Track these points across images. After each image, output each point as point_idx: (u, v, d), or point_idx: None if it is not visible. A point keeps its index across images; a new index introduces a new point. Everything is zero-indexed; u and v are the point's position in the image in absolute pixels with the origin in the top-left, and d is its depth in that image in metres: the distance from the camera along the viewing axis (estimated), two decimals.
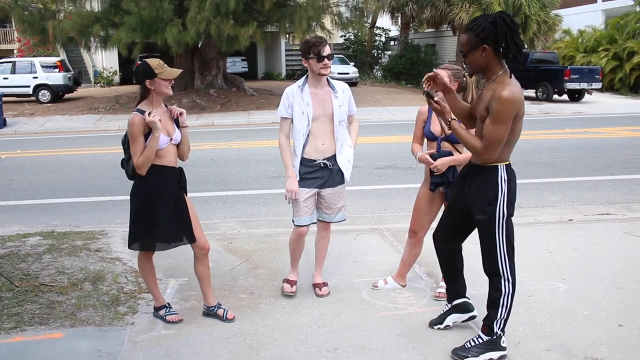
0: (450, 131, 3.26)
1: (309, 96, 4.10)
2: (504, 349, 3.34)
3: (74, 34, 18.49)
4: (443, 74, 3.94)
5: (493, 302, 3.30)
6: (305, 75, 4.21)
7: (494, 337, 3.33)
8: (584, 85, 21.15)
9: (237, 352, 3.48)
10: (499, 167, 3.16)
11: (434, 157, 4.00)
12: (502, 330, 3.33)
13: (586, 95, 21.89)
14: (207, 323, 3.88)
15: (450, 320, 3.71)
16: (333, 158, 4.18)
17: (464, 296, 3.69)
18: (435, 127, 4.06)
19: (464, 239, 3.58)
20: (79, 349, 3.54)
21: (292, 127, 4.16)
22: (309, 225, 4.25)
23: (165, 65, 3.67)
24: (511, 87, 3.02)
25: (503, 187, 3.17)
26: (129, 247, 3.83)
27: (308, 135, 4.11)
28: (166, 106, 3.79)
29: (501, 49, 3.03)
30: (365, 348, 3.51)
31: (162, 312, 3.94)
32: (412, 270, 4.75)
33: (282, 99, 4.17)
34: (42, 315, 3.96)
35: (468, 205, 3.31)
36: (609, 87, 25.10)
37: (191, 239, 3.79)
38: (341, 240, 5.50)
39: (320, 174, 4.15)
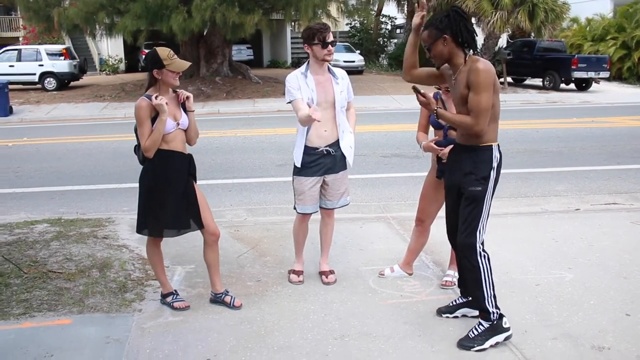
0: (440, 119, 3.44)
1: (313, 82, 4.09)
2: (506, 329, 3.37)
3: (79, 22, 18.45)
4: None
5: (475, 283, 3.37)
6: (307, 63, 4.19)
7: (494, 321, 3.36)
8: (591, 74, 20.97)
9: (244, 339, 3.50)
10: (493, 146, 3.33)
11: (441, 144, 4.01)
12: (497, 306, 3.37)
13: (594, 85, 21.71)
14: (214, 310, 3.90)
15: (460, 312, 3.72)
16: (335, 144, 4.18)
17: None
18: None
19: None
20: (87, 335, 3.57)
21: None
22: (312, 213, 4.27)
23: (175, 56, 3.68)
24: (483, 61, 3.24)
25: (494, 165, 3.34)
26: (138, 232, 3.86)
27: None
28: (174, 92, 3.80)
29: (460, 38, 3.25)
30: (372, 336, 3.52)
31: (169, 299, 3.96)
32: (419, 258, 4.75)
33: (287, 84, 4.14)
34: (51, 301, 3.99)
35: (460, 185, 3.39)
36: (617, 76, 24.90)
37: (200, 225, 3.80)
38: (347, 229, 5.51)
39: (324, 161, 4.16)
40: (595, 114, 14.53)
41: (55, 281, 4.31)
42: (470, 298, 3.66)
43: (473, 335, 3.38)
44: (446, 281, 4.25)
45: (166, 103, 3.60)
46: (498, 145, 3.38)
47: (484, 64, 3.20)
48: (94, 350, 3.40)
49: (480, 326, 3.39)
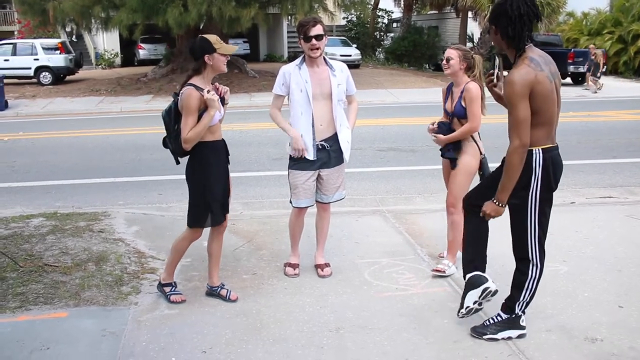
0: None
1: (307, 74, 4.08)
2: (522, 327, 3.38)
3: (74, 16, 18.36)
4: (453, 53, 4.11)
5: (518, 285, 3.32)
6: (303, 55, 4.19)
7: (513, 316, 3.36)
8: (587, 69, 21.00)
9: (240, 332, 3.51)
10: (534, 150, 3.08)
11: (442, 128, 4.35)
12: (523, 311, 3.36)
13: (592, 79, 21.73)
14: (210, 303, 3.91)
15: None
16: (331, 139, 4.17)
17: (483, 270, 3.52)
18: (447, 105, 4.35)
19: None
20: (83, 328, 3.58)
21: (291, 107, 4.16)
22: (307, 207, 4.28)
23: (222, 41, 3.72)
24: (519, 70, 2.99)
25: (537, 171, 3.10)
26: (197, 226, 3.83)
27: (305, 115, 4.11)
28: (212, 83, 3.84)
29: (509, 35, 3.03)
30: (367, 328, 3.54)
31: (167, 289, 3.97)
32: (414, 251, 4.78)
33: (277, 77, 4.19)
34: (47, 295, 3.99)
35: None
36: (613, 71, 24.94)
37: (228, 209, 3.93)
38: (343, 222, 5.52)
39: (318, 155, 4.15)
40: (591, 108, 14.56)
41: (51, 275, 4.31)
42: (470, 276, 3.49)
43: (488, 324, 3.40)
44: (438, 268, 4.30)
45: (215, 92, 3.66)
46: (547, 148, 3.11)
47: (517, 74, 2.96)
48: (90, 343, 3.41)
49: (499, 317, 3.39)
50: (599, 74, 19.55)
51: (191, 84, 3.64)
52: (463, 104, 4.17)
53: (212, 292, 3.99)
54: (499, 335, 3.34)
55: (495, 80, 3.41)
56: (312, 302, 3.92)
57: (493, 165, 3.69)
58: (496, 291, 3.37)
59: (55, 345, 3.37)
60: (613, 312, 3.71)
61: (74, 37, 28.47)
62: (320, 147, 4.15)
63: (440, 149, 4.38)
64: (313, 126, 4.11)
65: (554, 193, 3.27)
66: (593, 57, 19.63)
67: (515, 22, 3.00)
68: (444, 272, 4.27)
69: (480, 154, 4.28)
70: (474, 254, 3.44)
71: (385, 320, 3.64)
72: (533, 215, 3.18)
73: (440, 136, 4.28)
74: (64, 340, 3.43)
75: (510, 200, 3.16)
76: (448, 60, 4.26)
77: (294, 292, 4.08)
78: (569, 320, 3.59)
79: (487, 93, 3.78)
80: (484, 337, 3.35)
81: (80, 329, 3.56)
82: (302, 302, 3.92)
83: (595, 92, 18.80)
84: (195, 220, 3.82)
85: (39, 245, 4.92)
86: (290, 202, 4.31)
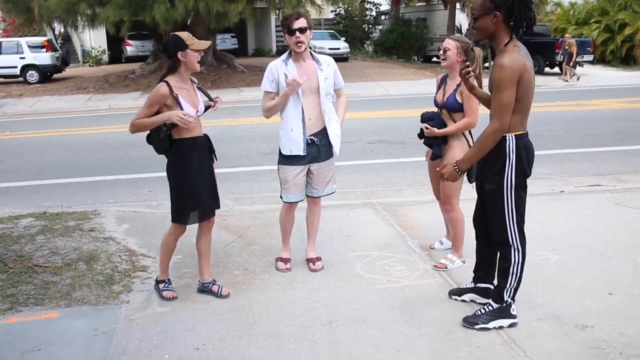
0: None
1: (294, 69, 4.07)
2: (514, 316, 3.40)
3: (60, 13, 18.19)
4: (452, 44, 4.02)
5: (503, 272, 3.35)
6: (289, 50, 4.17)
7: (504, 304, 3.38)
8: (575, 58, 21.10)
9: (233, 328, 3.51)
10: (507, 137, 3.17)
11: (428, 117, 4.24)
12: (512, 298, 3.38)
13: (577, 68, 21.85)
14: (202, 300, 3.91)
15: (468, 297, 3.73)
16: (320, 133, 4.16)
17: (489, 283, 3.66)
18: (438, 96, 4.28)
19: None
20: (75, 328, 3.56)
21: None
22: (298, 202, 4.28)
23: (194, 37, 3.71)
24: (511, 55, 3.06)
25: (511, 156, 3.18)
26: (180, 223, 3.84)
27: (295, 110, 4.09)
28: (192, 81, 3.82)
29: (511, 21, 3.09)
30: (360, 321, 3.55)
31: (161, 285, 3.97)
32: (405, 243, 4.79)
33: (265, 73, 4.16)
34: (37, 295, 3.97)
35: (480, 179, 3.34)
36: (601, 59, 25.09)
37: (218, 205, 3.89)
38: (334, 215, 5.52)
39: (308, 150, 4.15)
40: (579, 97, 14.63)
41: (41, 275, 4.29)
42: (480, 286, 3.67)
43: (479, 314, 3.42)
44: (440, 263, 4.30)
45: (192, 119, 3.61)
46: (520, 135, 3.18)
47: (509, 59, 3.03)
48: (82, 343, 3.39)
49: (489, 306, 3.41)
50: (571, 64, 19.61)
51: (166, 81, 3.65)
52: (458, 98, 4.07)
53: (204, 289, 3.98)
54: (491, 325, 3.36)
55: (477, 71, 3.43)
56: (304, 296, 3.92)
57: None
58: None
59: (47, 347, 3.35)
60: (603, 299, 3.74)
61: (60, 39, 28.27)
62: (309, 141, 4.14)
63: (428, 140, 4.23)
64: (303, 121, 4.10)
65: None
66: (567, 47, 19.69)
67: (520, 6, 3.08)
68: (445, 267, 4.25)
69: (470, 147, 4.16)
70: (485, 271, 3.60)
71: (378, 312, 3.65)
72: (510, 200, 3.25)
73: (435, 129, 4.14)
74: (55, 341, 3.41)
75: (486, 185, 3.29)
76: (445, 50, 4.12)
77: (285, 286, 4.08)
78: (559, 309, 3.62)
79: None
80: (476, 327, 3.37)
81: (72, 329, 3.55)
82: (294, 296, 3.92)
83: (567, 82, 18.88)
84: (177, 215, 3.83)
85: (28, 246, 4.89)
86: (281, 197, 4.30)
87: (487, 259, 3.62)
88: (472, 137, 4.20)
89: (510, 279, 3.34)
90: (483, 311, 3.42)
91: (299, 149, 4.11)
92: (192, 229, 3.94)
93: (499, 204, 3.26)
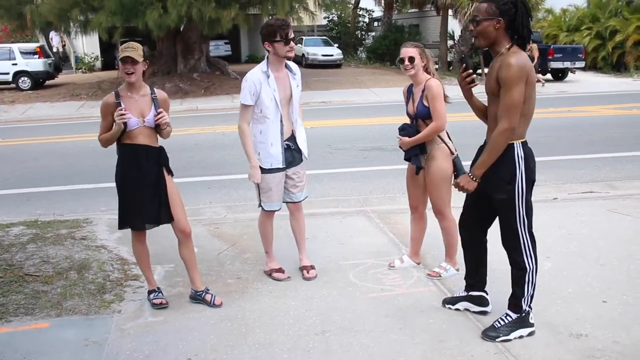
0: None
1: (275, 82, 4.09)
2: (532, 325, 3.38)
3: (52, 19, 18.13)
4: (415, 52, 3.98)
5: (518, 280, 3.33)
6: (266, 59, 4.15)
7: (523, 314, 3.36)
8: (567, 64, 21.25)
9: (225, 337, 3.48)
10: (515, 144, 3.17)
11: (401, 128, 4.20)
12: (530, 306, 3.37)
13: (569, 74, 21.98)
14: (195, 309, 3.88)
15: (461, 305, 3.71)
16: (291, 138, 4.21)
17: (481, 290, 3.66)
18: (409, 107, 4.21)
19: (487, 226, 3.54)
20: (66, 338, 3.52)
21: (258, 115, 4.10)
22: (279, 209, 4.33)
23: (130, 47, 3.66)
24: (517, 55, 3.10)
25: (521, 164, 3.19)
26: (120, 228, 3.91)
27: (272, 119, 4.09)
28: (152, 90, 3.79)
29: (512, 30, 3.13)
30: (353, 330, 3.53)
31: (151, 296, 3.95)
32: (399, 251, 4.78)
33: (246, 86, 4.07)
34: (28, 305, 3.93)
35: (484, 187, 3.28)
36: (592, 66, 25.22)
37: (170, 219, 3.80)
38: (327, 223, 5.51)
39: (285, 155, 4.19)
40: (571, 104, 14.70)
41: (32, 284, 4.25)
42: (473, 294, 3.66)
43: (499, 326, 3.37)
44: (434, 271, 4.29)
45: (128, 118, 3.61)
46: (524, 142, 3.22)
47: (516, 58, 3.05)
48: (73, 353, 3.36)
49: (508, 317, 3.37)
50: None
51: (116, 92, 3.72)
52: (425, 103, 4.00)
53: (197, 297, 3.95)
54: (512, 336, 3.32)
55: (482, 74, 3.42)
56: (297, 305, 3.90)
57: (467, 164, 3.68)
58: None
59: (37, 357, 3.31)
60: (597, 306, 3.73)
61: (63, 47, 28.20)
62: (285, 146, 4.18)
63: (405, 153, 4.17)
64: (282, 132, 4.14)
65: (535, 189, 3.36)
66: (528, 52, 19.77)
67: (523, 19, 3.12)
68: (439, 275, 4.24)
69: (452, 153, 4.11)
70: (477, 278, 3.61)
71: (371, 321, 3.63)
72: (521, 207, 3.25)
73: (405, 139, 4.10)
74: (46, 352, 3.37)
75: (497, 195, 3.25)
76: (412, 60, 4.00)
77: (279, 295, 4.06)
78: (553, 317, 3.61)
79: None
80: (497, 340, 3.31)
81: (63, 339, 3.51)
82: (287, 305, 3.90)
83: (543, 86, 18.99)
84: (119, 219, 3.86)
85: (19, 255, 4.84)
86: (260, 206, 4.28)
87: (477, 266, 3.61)
88: (452, 142, 4.16)
89: (526, 287, 3.31)
90: (502, 322, 3.37)
91: (279, 162, 4.14)
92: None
93: (511, 213, 3.25)
